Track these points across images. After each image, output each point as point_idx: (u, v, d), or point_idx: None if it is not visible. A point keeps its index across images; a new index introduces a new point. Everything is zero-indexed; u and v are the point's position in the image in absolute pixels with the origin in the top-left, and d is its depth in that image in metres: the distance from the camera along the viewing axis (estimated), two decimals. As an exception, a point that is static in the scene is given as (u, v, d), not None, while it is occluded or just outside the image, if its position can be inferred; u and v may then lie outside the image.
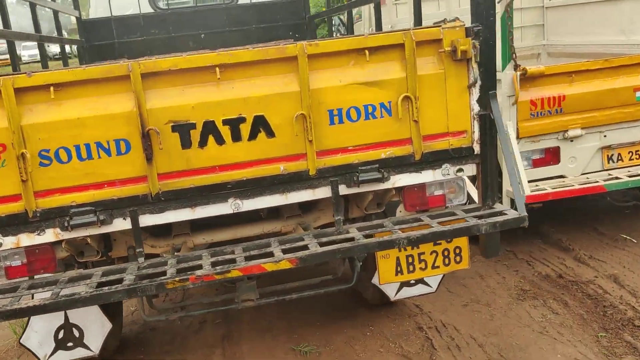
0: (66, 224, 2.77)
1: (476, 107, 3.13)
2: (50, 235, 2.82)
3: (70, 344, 3.46)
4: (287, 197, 3.03)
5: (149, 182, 2.82)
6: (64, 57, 6.10)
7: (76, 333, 3.45)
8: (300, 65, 2.89)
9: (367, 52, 2.97)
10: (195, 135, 2.85)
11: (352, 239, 2.99)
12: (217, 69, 2.83)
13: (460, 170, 3.19)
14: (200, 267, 2.83)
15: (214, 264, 2.83)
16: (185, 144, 2.85)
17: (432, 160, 3.14)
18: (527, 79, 4.48)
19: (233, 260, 2.86)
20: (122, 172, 2.81)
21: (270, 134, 2.93)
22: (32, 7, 5.35)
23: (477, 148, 3.17)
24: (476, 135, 3.16)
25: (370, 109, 3.03)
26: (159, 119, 2.80)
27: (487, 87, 3.11)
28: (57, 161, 2.75)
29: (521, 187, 4.41)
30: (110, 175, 2.81)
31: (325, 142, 3.01)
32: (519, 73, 4.42)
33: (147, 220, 2.90)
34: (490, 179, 3.21)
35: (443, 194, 3.27)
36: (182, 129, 2.83)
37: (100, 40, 6.60)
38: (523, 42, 6.60)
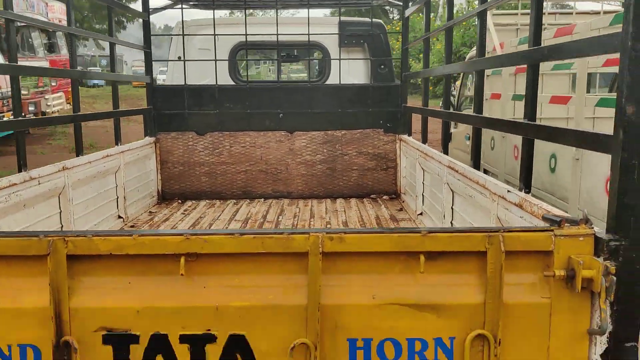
0: None
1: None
2: None
3: None
4: None
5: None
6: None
7: None
8: (311, 269, 1.82)
9: (422, 257, 1.85)
10: (137, 352, 1.86)
11: None
12: (182, 259, 1.84)
13: None
14: None
15: None
16: (120, 364, 1.86)
17: None
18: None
19: None
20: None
21: (252, 364, 1.88)
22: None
23: None
24: (593, 396, 1.91)
25: (418, 346, 1.89)
26: (86, 323, 1.85)
27: (623, 338, 1.87)
28: None
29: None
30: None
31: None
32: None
33: None
34: None
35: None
36: (119, 342, 1.85)
37: (170, 109, 5.95)
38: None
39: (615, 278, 1.78)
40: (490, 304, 1.84)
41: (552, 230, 1.84)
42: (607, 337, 1.87)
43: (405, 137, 5.90)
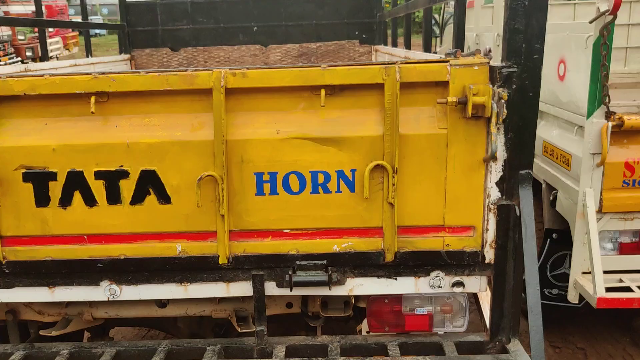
0: None
1: (494, 193, 1.97)
2: None
3: None
4: (187, 289, 2.08)
5: (-16, 246, 1.99)
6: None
7: None
8: (215, 104, 1.90)
9: (323, 91, 1.92)
10: (56, 189, 1.98)
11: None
12: (93, 98, 1.92)
13: (459, 284, 2.05)
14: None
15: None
16: (41, 200, 1.98)
17: (415, 264, 2.04)
18: (624, 132, 3.14)
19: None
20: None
21: (165, 198, 1.99)
22: None
23: (489, 254, 2.02)
24: (490, 235, 2.00)
25: (321, 178, 1.98)
26: (7, 161, 1.95)
27: (517, 165, 1.94)
28: None
29: (594, 284, 3.12)
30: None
31: (247, 219, 2.01)
32: (611, 124, 3.09)
33: (-3, 296, 2.08)
34: (508, 303, 2.05)
35: (429, 313, 2.15)
36: (38, 179, 1.97)
37: (144, 26, 5.95)
38: (628, 66, 4.93)
39: (504, 102, 1.84)
40: (388, 135, 1.91)
41: (447, 61, 1.89)
42: (502, 165, 1.95)
43: (380, 47, 5.88)
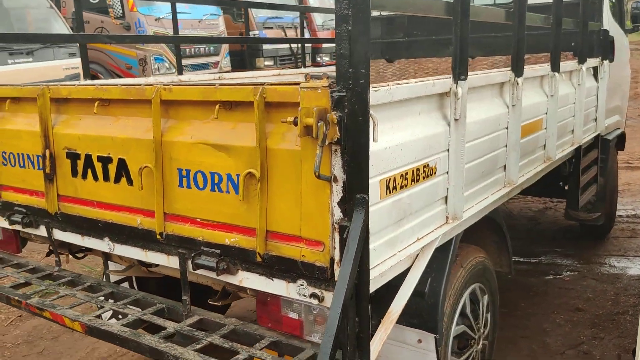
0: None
1: (337, 213, 2.02)
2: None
3: None
4: (147, 255, 2.68)
5: (48, 199, 2.95)
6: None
7: None
8: (154, 111, 2.46)
9: (217, 106, 2.29)
10: (80, 166, 2.81)
11: (164, 330, 2.46)
12: (96, 103, 2.69)
13: (315, 296, 2.14)
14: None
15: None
16: (74, 172, 2.84)
17: (281, 268, 2.22)
18: None
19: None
20: (37, 185, 3.02)
21: (130, 181, 2.63)
22: None
23: (338, 272, 2.06)
24: (337, 253, 2.05)
25: (217, 179, 2.34)
26: (59, 143, 2.88)
27: (352, 188, 1.96)
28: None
29: None
30: (35, 185, 3.05)
31: (175, 206, 2.50)
32: None
33: (58, 234, 3.04)
34: (350, 325, 2.05)
35: (300, 319, 2.26)
36: (72, 158, 2.84)
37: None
38: None
39: (334, 124, 1.90)
40: (258, 148, 2.16)
41: (299, 84, 2.04)
42: (342, 186, 1.99)
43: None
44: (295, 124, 1.98)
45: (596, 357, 4.10)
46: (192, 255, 2.42)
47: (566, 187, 5.34)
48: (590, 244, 6.24)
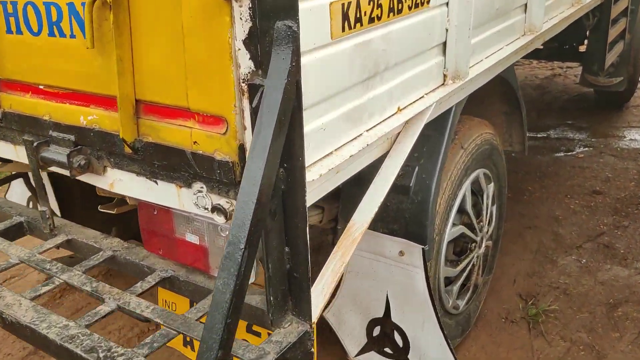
0: None
1: (244, 60, 1.08)
2: None
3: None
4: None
5: None
6: None
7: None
8: None
9: None
10: None
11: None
12: None
13: (219, 210, 1.25)
14: None
15: None
16: None
17: (167, 164, 1.31)
18: None
19: None
20: None
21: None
22: None
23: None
24: (249, 135, 1.14)
25: (54, 15, 1.37)
26: None
27: (269, 9, 1.00)
28: None
29: None
30: None
31: (6, 65, 1.55)
32: None
33: None
34: (275, 263, 1.19)
35: (202, 245, 1.39)
36: None
37: None
38: None
39: None
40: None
41: None
42: (250, 8, 1.03)
43: None
44: None
45: (620, 250, 3.36)
46: (35, 145, 1.50)
47: (581, 48, 4.39)
48: (606, 114, 5.37)
